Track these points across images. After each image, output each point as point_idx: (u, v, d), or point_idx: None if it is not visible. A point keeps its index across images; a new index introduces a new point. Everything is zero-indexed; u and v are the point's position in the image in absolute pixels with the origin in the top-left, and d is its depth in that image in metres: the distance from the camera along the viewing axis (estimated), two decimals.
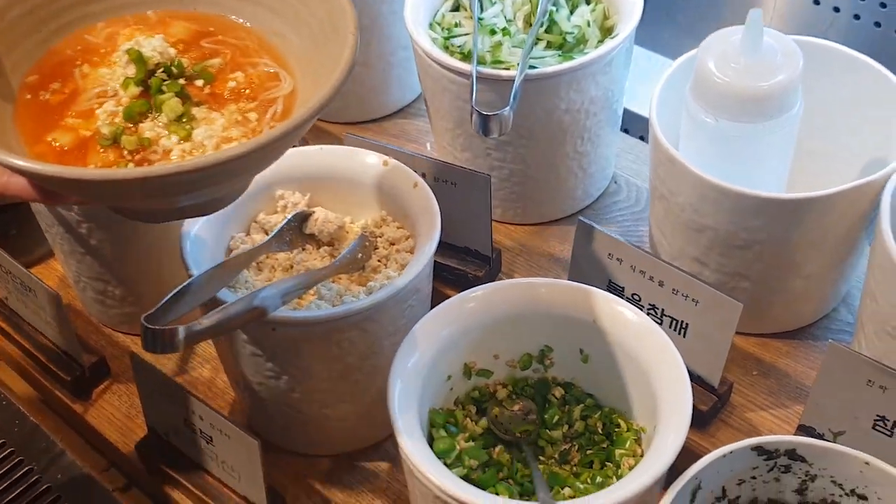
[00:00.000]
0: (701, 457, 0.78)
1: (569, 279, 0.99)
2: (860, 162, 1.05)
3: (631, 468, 0.84)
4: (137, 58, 0.81)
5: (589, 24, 1.12)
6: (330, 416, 0.99)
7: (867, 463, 0.78)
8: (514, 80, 1.01)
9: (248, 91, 0.82)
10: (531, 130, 1.10)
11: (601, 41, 1.12)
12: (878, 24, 1.25)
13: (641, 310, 0.95)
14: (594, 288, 0.90)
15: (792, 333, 1.07)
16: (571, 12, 1.13)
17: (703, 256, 1.00)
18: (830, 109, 1.07)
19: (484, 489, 0.82)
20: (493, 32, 1.12)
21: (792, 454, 0.80)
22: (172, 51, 0.83)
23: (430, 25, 1.16)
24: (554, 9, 1.12)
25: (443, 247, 1.12)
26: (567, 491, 0.85)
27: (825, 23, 1.29)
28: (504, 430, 0.91)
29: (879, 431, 0.86)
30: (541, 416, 0.93)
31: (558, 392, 0.95)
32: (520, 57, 1.06)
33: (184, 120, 0.78)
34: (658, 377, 0.84)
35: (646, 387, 0.86)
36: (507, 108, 0.95)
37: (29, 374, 1.15)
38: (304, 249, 1.02)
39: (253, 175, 0.80)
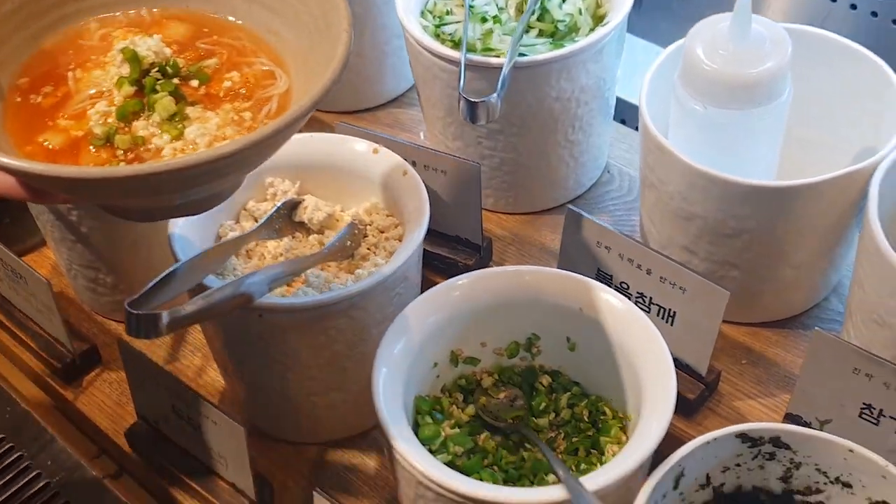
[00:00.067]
0: None
1: (558, 267, 0.99)
2: (853, 151, 1.05)
3: (615, 455, 0.84)
4: (132, 57, 0.81)
5: (581, 13, 1.12)
6: (318, 403, 0.99)
7: (851, 450, 0.78)
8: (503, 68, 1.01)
9: (243, 90, 0.81)
10: (522, 119, 1.10)
11: (593, 29, 1.11)
12: (874, 14, 1.25)
13: (629, 298, 0.95)
14: (580, 276, 0.90)
15: (782, 323, 1.06)
16: (563, 0, 1.13)
17: (692, 245, 1.00)
18: (825, 99, 1.06)
19: (469, 476, 0.82)
20: (484, 20, 1.12)
21: (776, 442, 0.80)
22: (168, 51, 0.83)
23: (422, 13, 1.16)
24: None
25: (433, 235, 1.12)
26: (551, 478, 0.85)
27: (822, 12, 1.29)
28: (494, 418, 0.91)
29: (866, 420, 0.86)
30: (528, 404, 0.93)
31: (545, 380, 0.95)
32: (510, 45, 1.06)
33: (176, 119, 0.78)
34: (643, 365, 0.84)
35: (631, 374, 0.86)
36: (495, 94, 0.95)
37: (20, 362, 1.15)
38: (293, 237, 1.02)
39: (244, 173, 0.79)
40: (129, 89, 0.80)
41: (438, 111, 1.15)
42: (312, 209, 1.02)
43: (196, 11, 0.87)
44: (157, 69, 0.81)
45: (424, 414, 0.89)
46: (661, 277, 0.94)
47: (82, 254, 1.10)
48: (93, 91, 0.80)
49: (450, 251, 1.13)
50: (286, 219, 1.02)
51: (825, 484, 0.80)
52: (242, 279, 0.86)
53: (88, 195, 0.76)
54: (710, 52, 0.94)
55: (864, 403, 0.85)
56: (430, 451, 0.85)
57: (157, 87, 0.79)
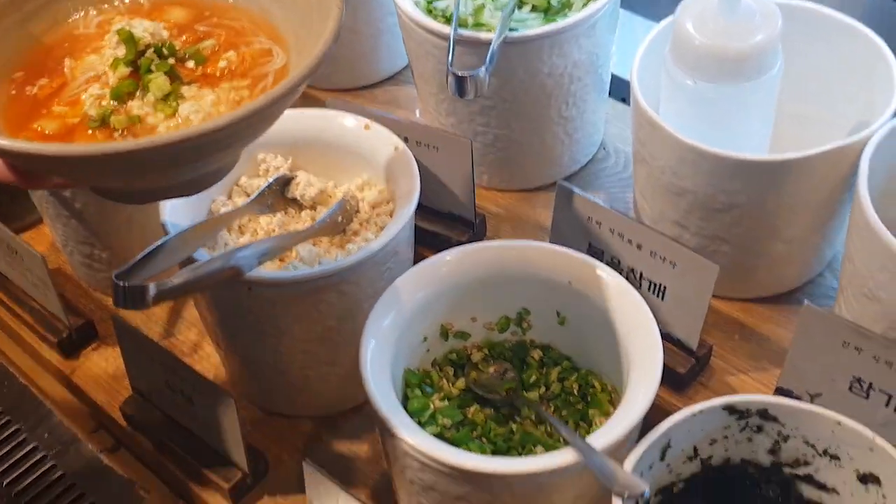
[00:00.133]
0: None
1: (550, 243, 0.99)
2: (848, 127, 1.04)
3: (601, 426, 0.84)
4: (128, 38, 0.80)
5: None
6: (311, 377, 1.00)
7: (839, 423, 0.78)
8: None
9: (240, 69, 0.81)
10: (514, 94, 1.10)
11: (586, 4, 1.11)
12: None
13: (621, 273, 0.95)
14: (569, 250, 0.90)
15: (776, 298, 1.06)
16: None
17: (684, 220, 1.00)
18: (821, 74, 1.06)
19: (458, 448, 0.82)
20: None
21: (764, 414, 0.80)
22: (165, 32, 0.83)
23: None
24: None
25: (427, 212, 1.12)
26: (539, 449, 0.85)
27: None
28: (488, 391, 0.91)
29: (855, 393, 0.86)
30: (519, 378, 0.93)
31: (536, 354, 0.95)
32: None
33: (171, 98, 0.78)
34: (631, 337, 0.84)
35: (620, 347, 0.87)
36: (483, 68, 0.94)
37: (18, 336, 1.16)
38: (286, 213, 1.02)
39: (236, 150, 0.79)
40: (124, 70, 0.79)
41: (431, 87, 1.15)
42: (304, 185, 1.02)
43: None
44: (152, 49, 0.81)
45: (413, 387, 0.90)
46: (651, 252, 0.94)
47: (77, 230, 1.11)
48: (88, 76, 0.80)
49: (443, 228, 1.13)
50: (278, 195, 1.02)
51: (813, 456, 0.81)
52: (232, 252, 0.86)
53: (77, 175, 0.75)
54: (699, 26, 0.93)
55: (853, 377, 0.85)
56: (420, 424, 0.85)
57: (153, 68, 0.79)
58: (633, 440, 0.79)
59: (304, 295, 0.91)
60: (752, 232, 0.98)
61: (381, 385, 0.82)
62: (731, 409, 0.80)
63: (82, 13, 0.86)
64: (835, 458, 0.79)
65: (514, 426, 0.89)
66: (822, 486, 0.81)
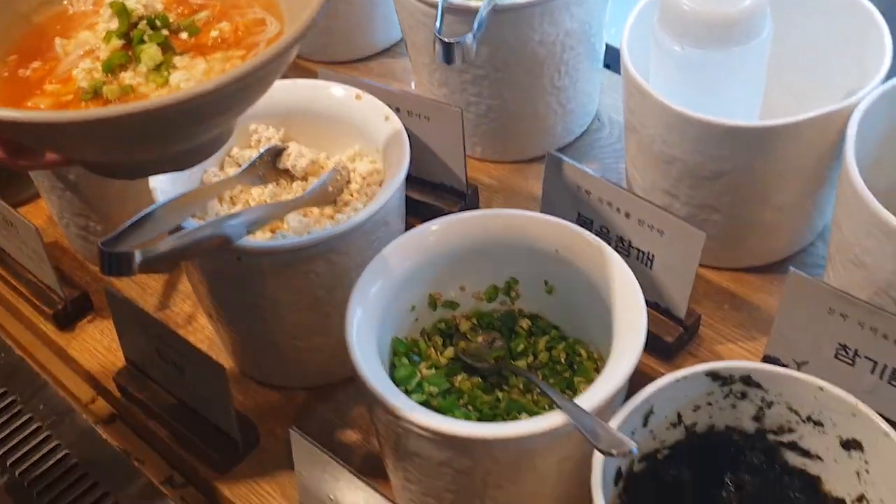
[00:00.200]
0: None
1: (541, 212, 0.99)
2: (842, 97, 1.04)
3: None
4: (121, 10, 0.80)
5: None
6: (302, 348, 1.00)
7: (821, 388, 0.78)
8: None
9: (233, 38, 0.81)
10: (506, 63, 1.09)
11: None
12: None
13: (609, 243, 0.95)
14: (555, 218, 0.90)
15: (767, 268, 1.06)
16: None
17: (673, 188, 0.99)
18: (815, 45, 1.05)
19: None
20: None
21: (747, 380, 0.80)
22: (159, 5, 0.82)
23: None
24: None
25: (419, 183, 1.12)
26: (525, 417, 0.85)
27: None
28: (476, 360, 0.91)
29: (841, 360, 0.86)
30: (507, 347, 0.93)
31: (525, 324, 0.95)
32: None
33: (163, 68, 0.78)
34: (617, 303, 0.84)
35: (606, 315, 0.86)
36: (470, 35, 0.94)
37: (14, 308, 1.17)
38: (277, 184, 1.02)
39: (227, 118, 0.78)
40: (116, 42, 0.79)
41: (424, 58, 1.15)
42: (296, 156, 1.02)
43: None
44: (145, 21, 0.80)
45: (401, 355, 0.90)
46: (639, 221, 0.94)
47: (72, 202, 1.12)
48: (80, 52, 0.80)
49: (435, 199, 1.13)
50: (270, 165, 1.02)
51: (797, 423, 0.81)
52: (221, 221, 0.86)
53: (68, 145, 0.74)
54: None
55: (839, 344, 0.85)
56: (406, 392, 0.86)
57: (145, 39, 0.79)
58: (616, 406, 0.79)
59: (293, 264, 0.91)
60: (742, 200, 0.97)
61: (366, 352, 0.82)
62: (714, 376, 0.80)
63: None
64: (818, 424, 0.79)
65: (500, 394, 0.89)
66: (805, 453, 0.81)
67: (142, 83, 0.77)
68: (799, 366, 0.89)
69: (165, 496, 0.99)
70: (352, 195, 1.00)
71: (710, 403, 0.81)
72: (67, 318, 1.13)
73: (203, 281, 0.98)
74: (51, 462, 1.02)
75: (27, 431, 1.05)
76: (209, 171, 1.03)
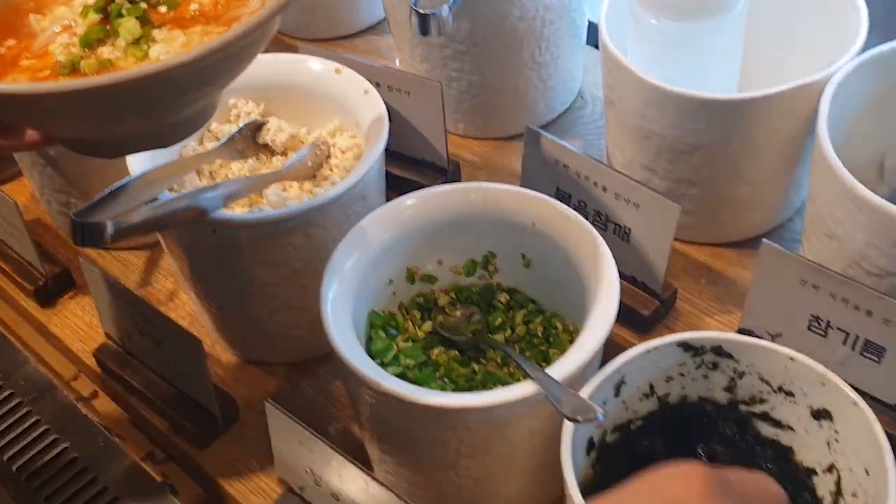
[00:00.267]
0: None
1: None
2: (819, 68, 1.04)
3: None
4: None
5: None
6: (280, 322, 1.00)
7: (792, 358, 0.78)
8: None
9: (213, 12, 0.81)
10: (485, 38, 1.09)
11: None
12: None
13: (587, 217, 0.95)
14: (532, 191, 0.90)
15: (745, 243, 1.06)
16: None
17: (652, 163, 1.00)
18: (798, 21, 1.05)
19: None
20: None
21: (718, 351, 0.80)
22: None
23: None
24: None
25: (400, 159, 1.12)
26: (499, 388, 0.86)
27: None
28: (454, 333, 0.91)
29: (814, 332, 0.86)
30: (485, 321, 0.93)
31: (503, 298, 0.95)
32: None
33: (141, 42, 0.77)
34: (590, 275, 0.85)
35: (581, 287, 0.87)
36: (446, 7, 0.94)
37: None
38: (257, 159, 1.02)
39: (207, 92, 0.77)
40: (94, 17, 0.78)
41: (405, 33, 1.15)
42: (276, 130, 1.02)
43: None
44: None
45: (378, 328, 0.90)
46: (616, 195, 0.94)
47: (53, 178, 1.12)
48: (57, 28, 0.79)
49: (416, 174, 1.13)
50: (250, 140, 1.02)
51: (768, 393, 0.81)
52: (197, 192, 0.87)
53: (45, 119, 0.73)
54: None
55: (811, 315, 0.85)
56: (382, 365, 0.86)
57: (123, 12, 0.78)
58: (589, 377, 0.80)
59: (270, 237, 0.91)
60: (718, 174, 0.97)
61: (340, 324, 0.82)
62: (685, 346, 0.80)
63: None
64: (789, 394, 0.80)
65: (476, 367, 0.89)
66: (777, 424, 0.81)
67: (121, 57, 0.77)
68: (773, 338, 0.89)
69: (146, 472, 1.00)
70: (331, 170, 1.00)
71: (682, 374, 0.82)
72: (48, 295, 1.13)
73: (181, 255, 0.98)
74: (31, 437, 1.02)
75: (7, 407, 1.05)
76: (188, 146, 1.03)
